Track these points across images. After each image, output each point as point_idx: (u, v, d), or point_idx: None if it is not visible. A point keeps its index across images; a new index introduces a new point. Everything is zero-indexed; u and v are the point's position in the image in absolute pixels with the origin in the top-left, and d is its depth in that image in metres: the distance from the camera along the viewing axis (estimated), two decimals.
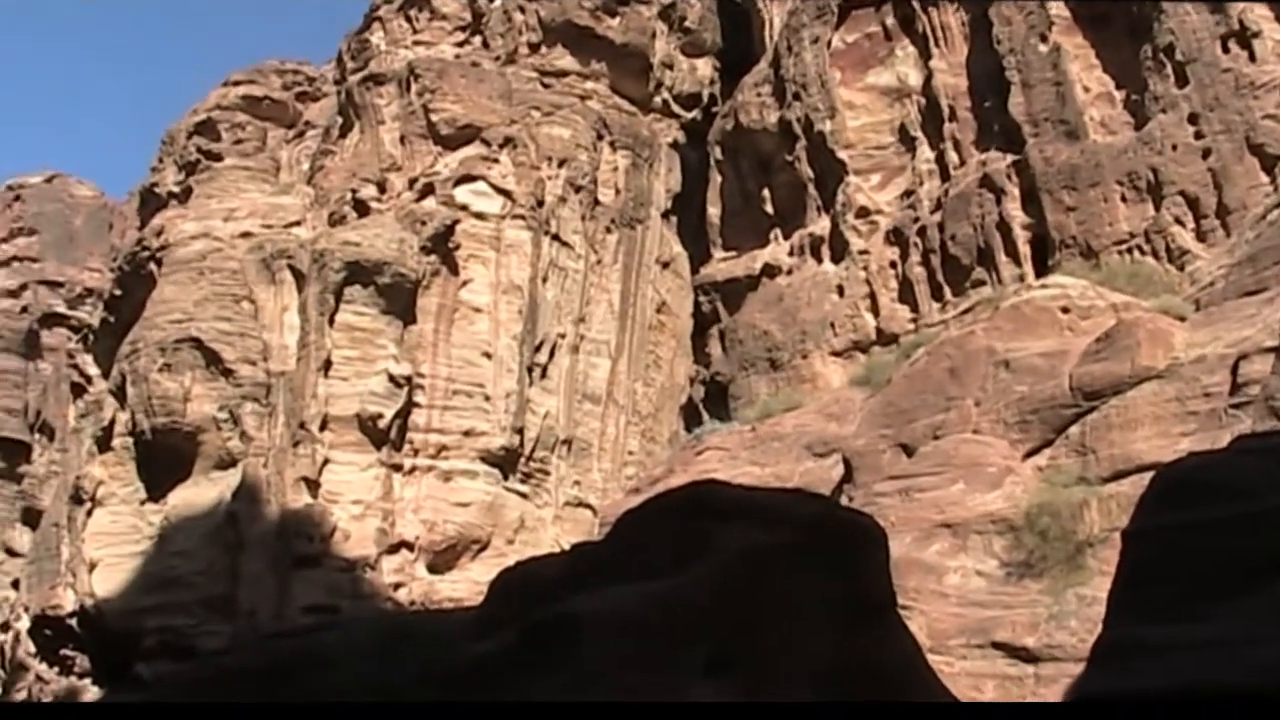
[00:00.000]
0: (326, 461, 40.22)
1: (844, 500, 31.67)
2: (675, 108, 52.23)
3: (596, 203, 47.86)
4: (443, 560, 41.09)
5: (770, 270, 45.98)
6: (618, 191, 48.86)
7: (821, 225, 44.51)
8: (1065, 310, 31.30)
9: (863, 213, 43.28)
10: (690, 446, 42.16)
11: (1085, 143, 36.26)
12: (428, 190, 44.89)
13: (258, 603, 38.79)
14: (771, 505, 16.03)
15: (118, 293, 48.68)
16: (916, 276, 40.84)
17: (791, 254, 45.53)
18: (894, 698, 14.13)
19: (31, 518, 53.00)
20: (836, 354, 42.96)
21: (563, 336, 45.81)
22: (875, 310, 42.12)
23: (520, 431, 43.10)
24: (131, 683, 38.36)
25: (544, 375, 44.80)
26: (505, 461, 42.84)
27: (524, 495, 43.20)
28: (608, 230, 48.34)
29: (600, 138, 48.71)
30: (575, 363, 46.04)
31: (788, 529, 15.01)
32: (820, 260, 44.32)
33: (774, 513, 15.49)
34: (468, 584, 39.77)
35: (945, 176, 41.20)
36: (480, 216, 45.01)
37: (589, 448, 45.75)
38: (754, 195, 47.59)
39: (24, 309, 69.23)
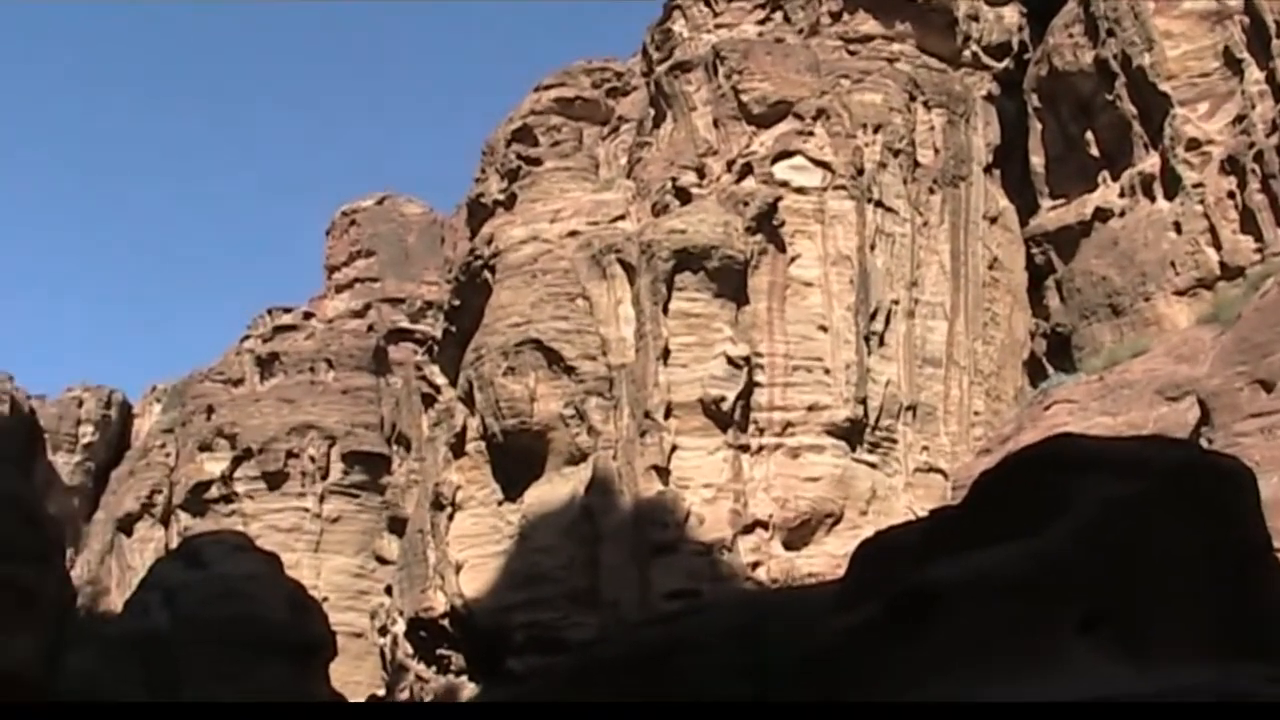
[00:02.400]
0: (674, 448, 40.62)
1: (1203, 444, 30.43)
2: (985, 59, 50.89)
3: (916, 164, 47.05)
4: (798, 536, 41.05)
5: (1102, 214, 44.71)
6: (936, 151, 47.93)
7: (1151, 162, 43.12)
8: None
9: (1193, 144, 41.75)
10: (1037, 402, 41.27)
11: None
12: (746, 170, 44.84)
13: (620, 592, 39.46)
14: (1132, 455, 15.45)
15: (456, 303, 50.18)
16: (1257, 205, 39.12)
17: (1122, 195, 44.20)
18: None
19: (397, 526, 55.16)
20: (1180, 293, 41.52)
21: (896, 303, 45.21)
22: (1216, 244, 40.51)
23: (863, 402, 42.71)
24: (505, 677, 39.59)
25: (881, 343, 44.28)
26: (851, 433, 42.52)
27: (873, 465, 42.81)
28: (930, 191, 47.51)
29: (913, 99, 47.88)
30: (911, 328, 45.39)
31: (1152, 478, 14.44)
32: (1153, 198, 42.94)
33: (1135, 462, 14.92)
34: (825, 558, 39.68)
35: (1278, 97, 39.33)
36: (801, 191, 44.75)
37: (934, 412, 45.04)
38: (1077, 139, 46.29)
39: (369, 328, 72.17)
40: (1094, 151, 45.37)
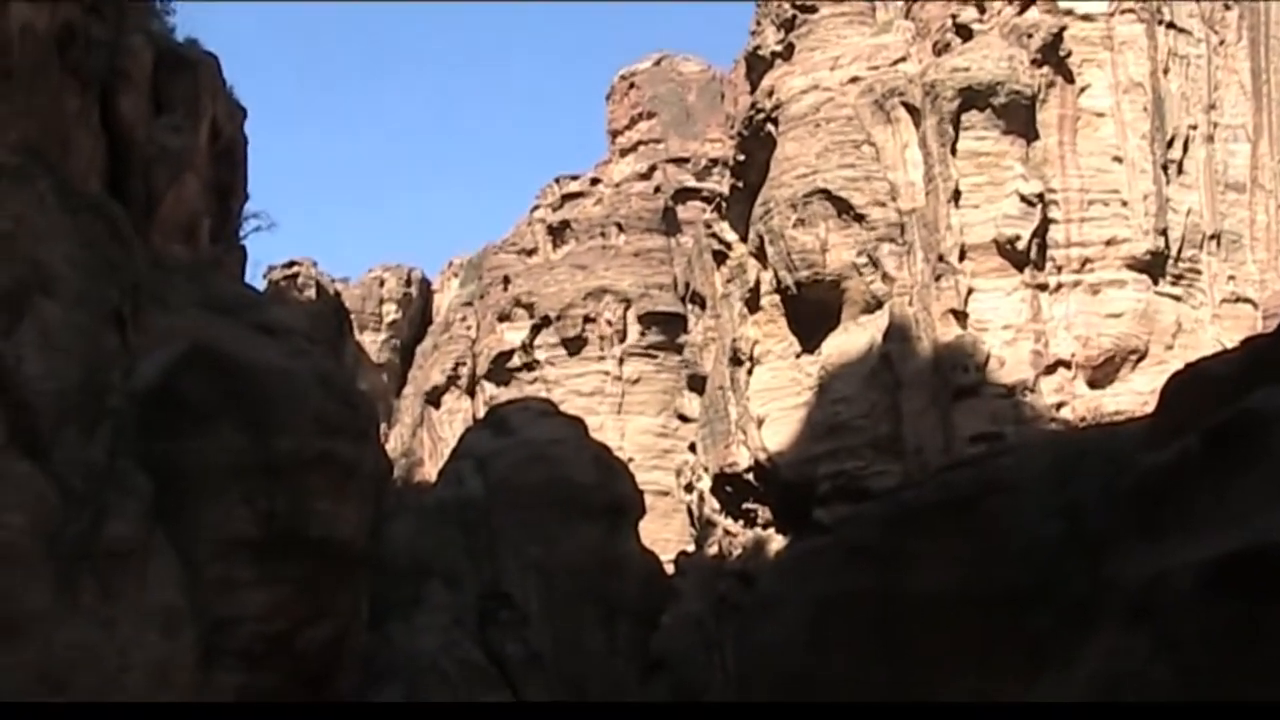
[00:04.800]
0: (970, 291, 40.17)
1: None
2: None
3: None
4: (1102, 375, 40.29)
5: None
6: None
7: None
8: None
9: None
10: None
11: None
12: (1028, 1, 43.47)
13: (923, 439, 39.46)
14: None
15: (741, 158, 50.16)
16: None
17: None
18: None
19: (697, 384, 55.96)
20: None
21: (1194, 128, 43.50)
22: None
23: (1164, 233, 41.40)
24: (813, 528, 40.03)
25: (1180, 171, 42.74)
26: (1152, 266, 41.31)
27: (1177, 298, 41.57)
28: (1226, 7, 45.39)
29: None
30: (1211, 153, 43.65)
31: None
32: None
33: None
34: (1130, 396, 38.89)
35: None
36: (1087, 18, 43.17)
37: (1239, 239, 43.41)
38: None
39: (656, 189, 72.68)
40: None
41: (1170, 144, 42.65)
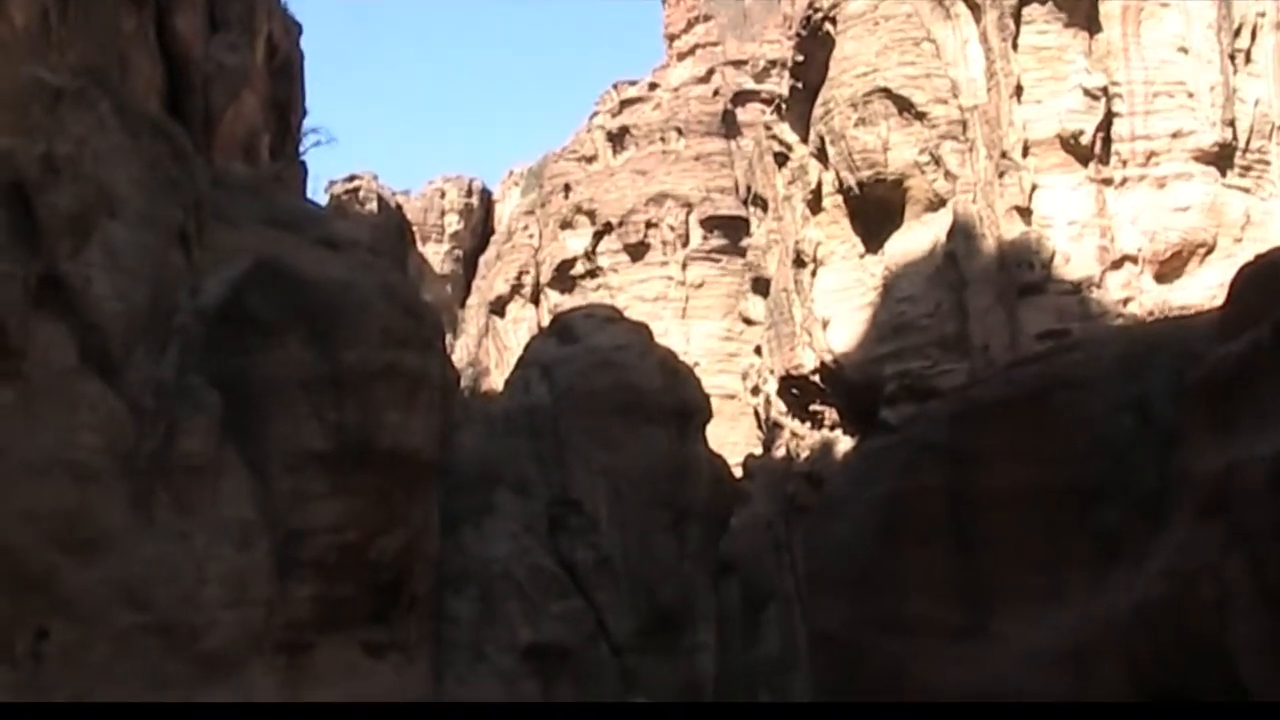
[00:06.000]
0: (1034, 187, 39.71)
1: None
2: None
3: None
4: (1169, 269, 39.80)
5: None
6: None
7: None
8: None
9: None
10: None
11: None
12: None
13: (989, 336, 39.22)
14: None
15: (800, 59, 49.58)
16: None
17: None
18: None
19: (761, 286, 55.75)
20: None
21: (1262, 15, 42.44)
22: None
23: (1231, 124, 40.61)
24: (880, 428, 40.04)
25: (1248, 60, 41.78)
26: (1220, 158, 40.59)
27: (1245, 190, 40.85)
28: None
29: None
30: None
31: None
32: None
33: None
34: (1199, 290, 38.39)
35: None
36: None
37: None
38: None
39: (715, 92, 72.10)
40: None
41: (1238, 32, 41.67)
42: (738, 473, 49.78)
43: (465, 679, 33.44)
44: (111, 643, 22.94)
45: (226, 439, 26.19)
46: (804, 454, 49.00)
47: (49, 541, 22.14)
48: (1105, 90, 40.17)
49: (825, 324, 44.78)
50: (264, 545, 26.16)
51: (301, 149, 44.19)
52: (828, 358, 44.64)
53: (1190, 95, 40.73)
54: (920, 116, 42.29)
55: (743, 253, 62.20)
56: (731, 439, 55.90)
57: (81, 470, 22.83)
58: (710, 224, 67.47)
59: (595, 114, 77.15)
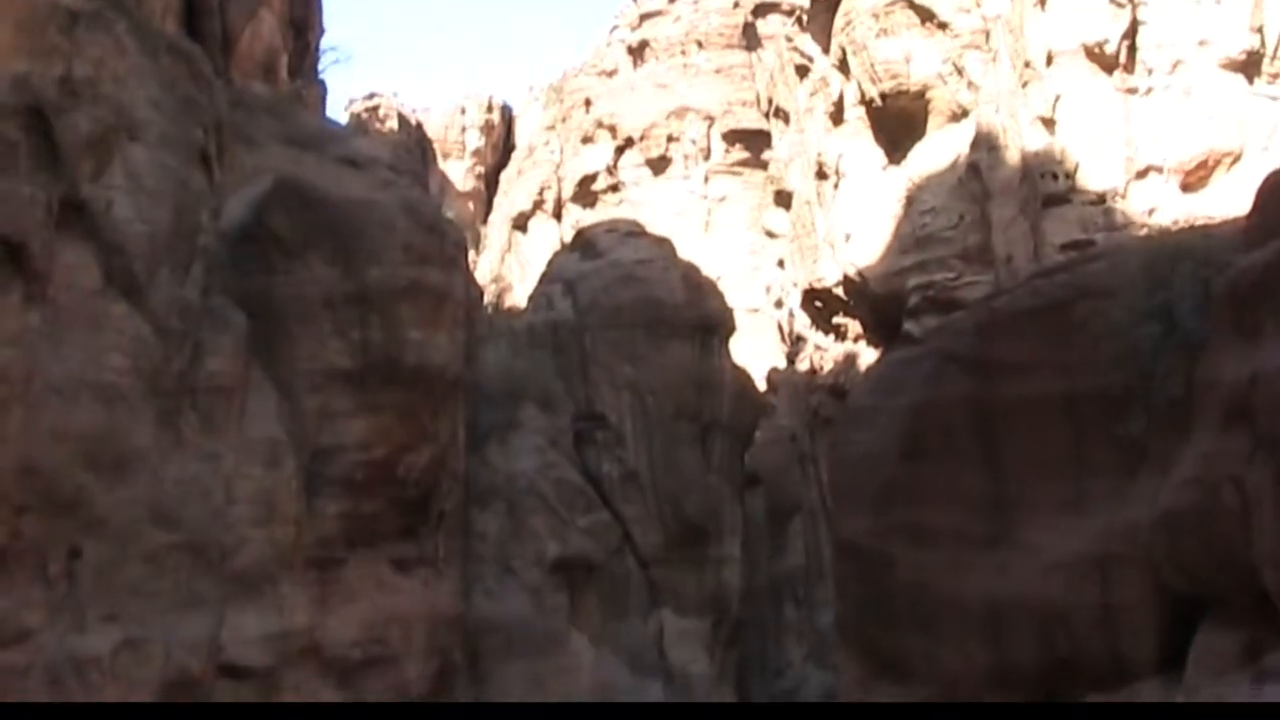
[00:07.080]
0: (1058, 97, 39.31)
1: None
2: None
3: None
4: (1195, 179, 39.38)
5: None
6: None
7: None
8: None
9: None
10: None
11: None
12: None
13: (1012, 247, 39.01)
14: None
15: None
16: None
17: None
18: None
19: (783, 199, 55.46)
20: None
21: None
22: None
23: (1260, 31, 40.03)
24: (904, 339, 39.98)
25: None
26: (1247, 66, 40.02)
27: (1273, 98, 40.38)
28: None
29: None
30: None
31: None
32: None
33: None
34: (1226, 200, 38.02)
35: None
36: None
37: None
38: None
39: (735, 4, 71.31)
40: None
41: None
42: (762, 386, 49.89)
43: (493, 593, 33.80)
44: (143, 562, 23.22)
45: (252, 359, 26.36)
46: (827, 366, 48.99)
47: (79, 462, 22.36)
48: None
49: (848, 236, 44.59)
50: (291, 464, 26.38)
51: (320, 68, 44.04)
52: (851, 270, 44.47)
53: (1217, 2, 40.14)
54: (942, 27, 41.87)
55: (764, 166, 61.88)
56: (755, 352, 55.90)
57: (109, 392, 23.00)
58: (732, 137, 67.15)
59: (615, 28, 76.57)
